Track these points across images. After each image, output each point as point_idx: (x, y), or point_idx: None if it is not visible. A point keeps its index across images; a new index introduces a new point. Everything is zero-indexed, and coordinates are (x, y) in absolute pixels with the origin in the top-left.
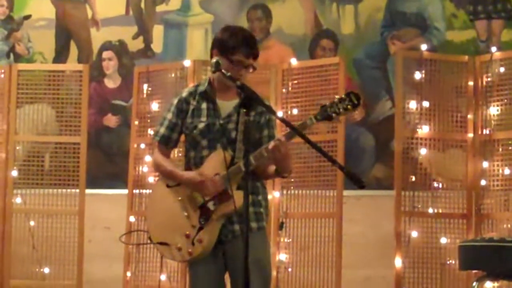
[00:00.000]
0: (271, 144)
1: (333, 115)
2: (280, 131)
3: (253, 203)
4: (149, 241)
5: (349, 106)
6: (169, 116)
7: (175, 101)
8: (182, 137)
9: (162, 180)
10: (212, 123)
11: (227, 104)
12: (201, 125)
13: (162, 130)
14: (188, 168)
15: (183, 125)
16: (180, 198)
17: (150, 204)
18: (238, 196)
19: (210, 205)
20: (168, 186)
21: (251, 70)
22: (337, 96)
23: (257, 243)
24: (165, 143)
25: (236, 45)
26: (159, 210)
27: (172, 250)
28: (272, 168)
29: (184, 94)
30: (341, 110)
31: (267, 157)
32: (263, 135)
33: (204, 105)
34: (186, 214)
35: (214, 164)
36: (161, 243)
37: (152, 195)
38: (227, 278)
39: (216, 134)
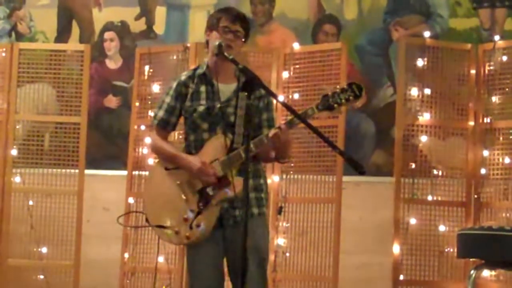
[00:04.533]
0: (272, 132)
1: (335, 105)
2: (281, 115)
3: (254, 188)
4: (146, 223)
5: (351, 97)
6: (168, 99)
7: (174, 84)
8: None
9: (160, 163)
10: (211, 106)
11: (227, 88)
12: (200, 108)
13: (161, 113)
14: (188, 151)
15: (182, 108)
16: (178, 182)
17: (148, 186)
18: (238, 182)
19: (209, 190)
20: (166, 168)
21: (242, 39)
22: (338, 86)
23: (257, 229)
24: (164, 127)
25: (221, 14)
26: (157, 193)
27: (170, 233)
28: (273, 153)
29: (183, 77)
30: (343, 100)
31: (267, 144)
32: (263, 119)
33: (203, 88)
34: (184, 198)
35: (213, 148)
36: (159, 226)
37: (150, 177)
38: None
39: (215, 117)
